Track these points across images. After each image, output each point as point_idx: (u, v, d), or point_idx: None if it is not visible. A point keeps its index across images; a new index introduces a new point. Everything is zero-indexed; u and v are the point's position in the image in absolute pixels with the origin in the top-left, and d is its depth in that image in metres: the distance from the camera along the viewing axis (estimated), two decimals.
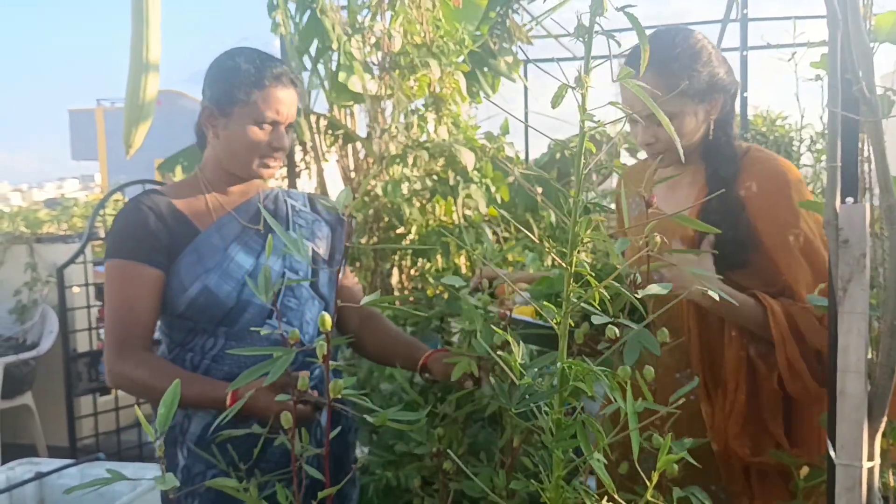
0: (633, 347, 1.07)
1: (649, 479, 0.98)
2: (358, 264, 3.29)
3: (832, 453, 1.07)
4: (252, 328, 1.67)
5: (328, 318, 1.11)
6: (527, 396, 0.99)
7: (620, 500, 0.96)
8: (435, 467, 1.66)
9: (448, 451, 1.49)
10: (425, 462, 1.76)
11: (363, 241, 3.31)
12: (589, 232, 1.05)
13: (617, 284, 0.99)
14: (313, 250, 1.80)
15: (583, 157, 1.05)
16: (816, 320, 1.47)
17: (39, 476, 2.47)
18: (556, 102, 1.14)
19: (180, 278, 1.67)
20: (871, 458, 1.08)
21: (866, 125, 1.01)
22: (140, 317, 1.66)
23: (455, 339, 2.97)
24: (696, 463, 1.11)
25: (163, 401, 1.01)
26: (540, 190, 1.17)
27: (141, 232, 1.68)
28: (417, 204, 3.26)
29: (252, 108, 1.67)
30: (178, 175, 3.50)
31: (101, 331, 5.28)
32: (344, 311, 1.91)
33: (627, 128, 1.91)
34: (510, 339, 1.07)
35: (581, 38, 1.07)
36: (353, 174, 3.66)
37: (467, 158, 3.04)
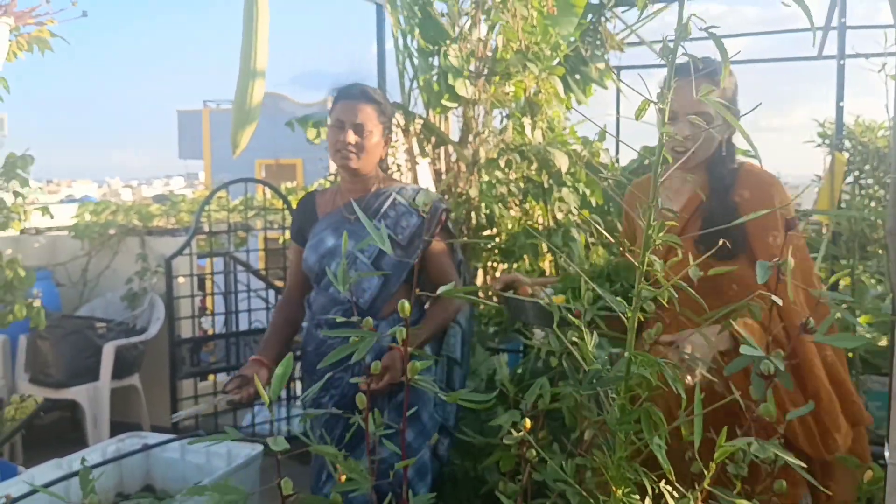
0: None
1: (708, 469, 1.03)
2: None
3: (887, 453, 1.10)
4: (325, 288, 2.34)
5: (407, 306, 1.22)
6: (594, 381, 1.05)
7: (676, 484, 1.01)
8: (518, 456, 1.73)
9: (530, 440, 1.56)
10: (509, 451, 1.84)
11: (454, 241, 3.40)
12: (661, 235, 1.11)
13: (684, 285, 1.05)
14: (390, 236, 2.10)
15: (659, 167, 1.12)
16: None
17: (146, 448, 2.66)
18: (639, 115, 1.21)
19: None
20: None
21: None
22: (290, 278, 2.57)
23: (535, 338, 3.03)
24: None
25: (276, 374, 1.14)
26: None
27: (294, 218, 2.58)
28: (511, 206, 3.34)
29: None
30: None
31: (203, 319, 5.57)
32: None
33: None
34: (584, 331, 1.14)
35: (665, 59, 1.14)
36: (444, 177, 3.77)
37: (561, 161, 3.11)
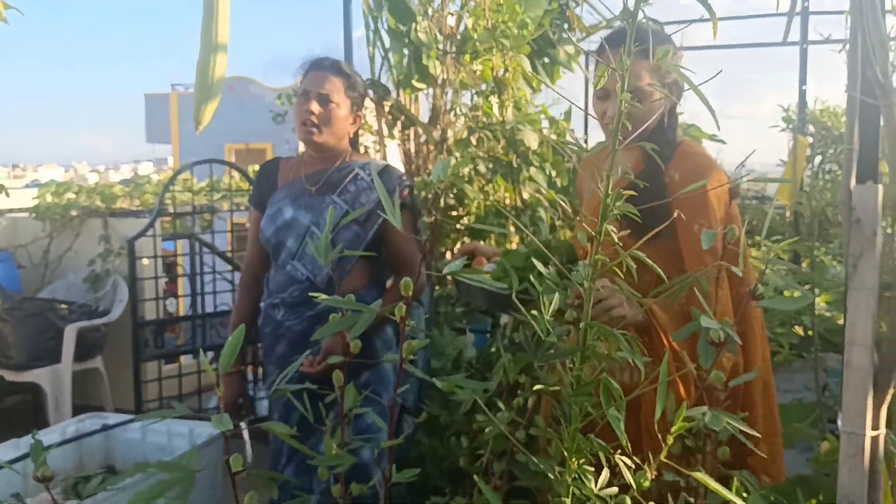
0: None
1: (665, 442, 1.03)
2: None
3: (840, 423, 1.12)
4: (283, 265, 2.26)
5: (410, 283, 1.20)
6: (550, 352, 1.05)
7: (632, 456, 1.02)
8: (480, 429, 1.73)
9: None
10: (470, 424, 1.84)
11: (424, 220, 3.40)
12: (618, 204, 1.11)
13: (642, 255, 1.05)
14: (347, 212, 2.20)
15: (618, 135, 1.11)
16: (685, 317, 1.62)
17: (106, 428, 2.63)
18: (597, 83, 1.21)
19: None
20: (875, 427, 1.12)
21: (881, 108, 1.06)
22: (251, 249, 2.43)
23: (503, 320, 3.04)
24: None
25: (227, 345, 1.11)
26: None
27: (254, 183, 2.49)
28: (478, 185, 3.33)
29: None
30: None
31: (169, 302, 5.51)
32: (392, 269, 2.35)
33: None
34: (541, 303, 1.14)
35: (626, 22, 1.13)
36: (413, 158, 3.75)
37: (530, 139, 3.10)
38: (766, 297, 1.19)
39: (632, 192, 1.13)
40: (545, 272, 1.34)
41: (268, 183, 2.40)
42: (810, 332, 2.86)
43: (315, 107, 2.22)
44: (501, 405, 1.46)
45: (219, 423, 1.11)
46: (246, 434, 2.73)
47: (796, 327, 2.94)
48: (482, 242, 3.13)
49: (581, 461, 1.08)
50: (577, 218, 2.10)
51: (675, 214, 1.47)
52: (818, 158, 4.41)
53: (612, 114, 1.74)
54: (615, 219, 1.28)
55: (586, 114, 4.87)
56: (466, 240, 3.43)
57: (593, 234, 1.11)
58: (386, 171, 2.32)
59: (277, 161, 2.46)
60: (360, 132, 4.15)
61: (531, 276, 1.51)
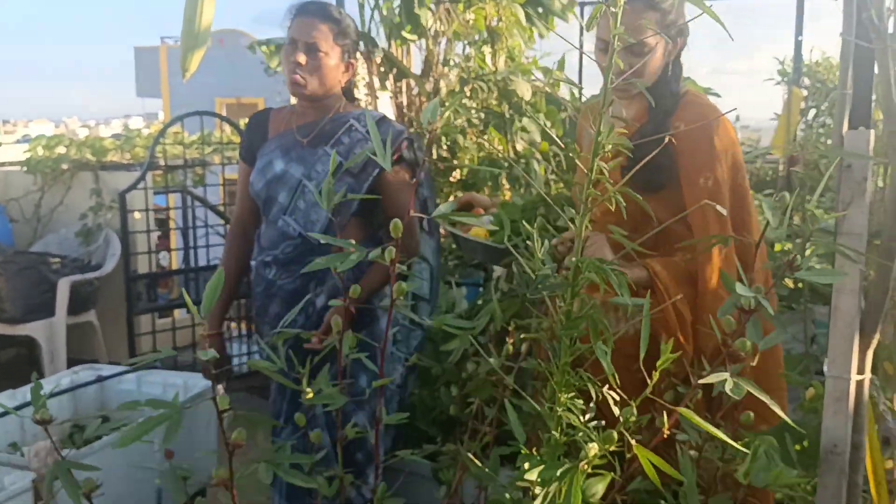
0: None
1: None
2: None
3: (825, 367, 1.13)
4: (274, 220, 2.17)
5: (399, 224, 1.19)
6: (542, 285, 1.06)
7: (619, 391, 1.03)
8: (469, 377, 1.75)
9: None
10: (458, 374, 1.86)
11: None
12: (610, 137, 1.11)
13: (630, 191, 1.05)
14: (341, 164, 2.04)
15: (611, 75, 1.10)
16: (688, 273, 1.63)
17: (101, 379, 2.65)
18: (589, 25, 1.20)
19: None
20: (861, 371, 1.13)
21: (875, 52, 1.04)
22: (240, 203, 2.32)
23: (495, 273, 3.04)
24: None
25: (207, 288, 1.11)
26: None
27: (243, 135, 2.38)
28: (471, 137, 3.31)
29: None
30: None
31: (161, 254, 5.51)
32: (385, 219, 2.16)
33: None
34: (536, 238, 1.14)
35: None
36: (405, 110, 3.72)
37: (523, 89, 3.07)
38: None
39: (625, 139, 1.13)
40: (541, 224, 1.34)
41: (258, 134, 2.29)
42: (800, 284, 2.88)
43: (302, 57, 2.09)
44: (492, 351, 1.47)
45: (204, 355, 1.12)
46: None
47: (786, 279, 2.94)
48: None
49: (571, 395, 1.09)
50: (577, 168, 2.08)
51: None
52: (812, 112, 4.39)
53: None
54: (618, 170, 1.27)
55: (581, 63, 4.84)
56: (460, 193, 3.43)
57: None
58: (383, 122, 2.23)
59: (268, 112, 2.34)
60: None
61: (529, 227, 1.50)
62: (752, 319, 1.14)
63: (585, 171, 1.10)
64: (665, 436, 1.15)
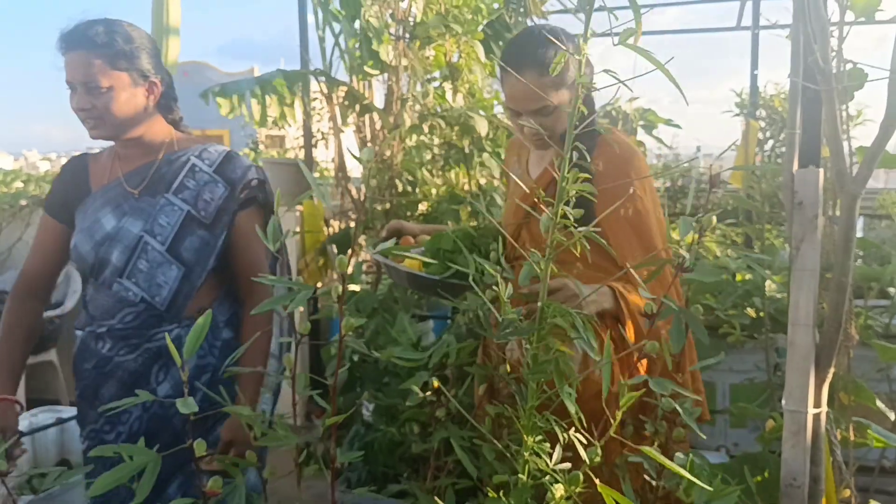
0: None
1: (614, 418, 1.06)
2: (371, 230, 3.38)
3: (784, 402, 1.15)
4: (107, 285, 1.83)
5: (345, 260, 1.13)
6: (509, 330, 1.06)
7: (585, 433, 1.04)
8: (428, 416, 1.74)
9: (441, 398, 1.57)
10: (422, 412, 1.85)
11: (377, 207, 3.40)
12: (576, 185, 1.12)
13: (596, 235, 1.07)
14: (189, 213, 1.84)
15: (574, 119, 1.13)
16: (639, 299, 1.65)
17: (60, 422, 2.59)
18: (553, 70, 1.23)
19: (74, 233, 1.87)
20: (817, 405, 1.15)
21: (822, 93, 1.08)
22: (33, 261, 1.92)
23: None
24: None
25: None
26: None
27: (54, 186, 1.93)
28: (433, 173, 3.33)
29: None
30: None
31: None
32: (237, 281, 1.93)
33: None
34: (499, 281, 1.14)
35: (582, 11, 1.15)
36: (369, 144, 3.74)
37: (481, 126, 3.11)
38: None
39: (590, 185, 1.14)
40: (470, 258, 1.37)
41: (75, 187, 1.90)
42: (762, 314, 2.93)
43: (85, 101, 1.74)
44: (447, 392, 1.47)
45: (183, 406, 1.07)
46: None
47: (748, 309, 3.00)
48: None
49: (538, 438, 1.10)
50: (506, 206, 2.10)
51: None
52: (770, 143, 4.50)
53: (528, 131, 1.76)
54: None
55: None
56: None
57: (528, 212, 1.12)
58: (229, 160, 1.90)
59: (85, 158, 1.95)
60: (317, 119, 4.13)
61: (462, 259, 1.51)
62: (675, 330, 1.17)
63: (526, 206, 1.12)
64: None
